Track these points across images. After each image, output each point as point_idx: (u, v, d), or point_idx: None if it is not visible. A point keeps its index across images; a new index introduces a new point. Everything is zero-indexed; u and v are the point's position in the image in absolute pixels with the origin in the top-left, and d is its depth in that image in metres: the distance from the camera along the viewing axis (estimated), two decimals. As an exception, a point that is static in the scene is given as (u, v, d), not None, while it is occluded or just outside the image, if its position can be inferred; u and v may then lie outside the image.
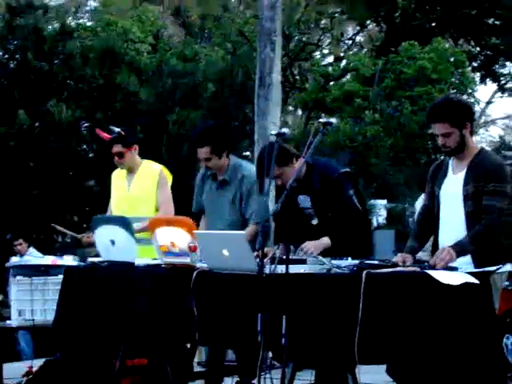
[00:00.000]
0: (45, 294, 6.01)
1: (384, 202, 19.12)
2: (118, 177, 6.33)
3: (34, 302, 6.01)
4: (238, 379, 5.56)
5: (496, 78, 21.54)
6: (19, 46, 18.34)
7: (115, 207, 6.23)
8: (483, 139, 27.57)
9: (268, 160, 4.56)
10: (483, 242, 4.24)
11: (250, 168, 5.67)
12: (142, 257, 5.19)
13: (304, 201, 5.22)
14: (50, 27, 18.94)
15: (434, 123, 4.41)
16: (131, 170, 6.20)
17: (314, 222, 5.20)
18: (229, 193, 5.62)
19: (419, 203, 6.49)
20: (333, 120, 4.73)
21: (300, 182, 5.07)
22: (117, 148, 6.10)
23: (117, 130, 6.15)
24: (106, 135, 6.18)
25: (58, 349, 5.91)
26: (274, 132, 4.77)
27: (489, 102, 28.32)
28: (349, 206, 5.08)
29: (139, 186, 6.14)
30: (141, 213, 5.94)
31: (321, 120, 4.67)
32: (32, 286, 6.04)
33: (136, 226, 5.44)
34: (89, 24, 20.45)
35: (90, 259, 5.53)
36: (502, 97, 23.78)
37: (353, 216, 5.10)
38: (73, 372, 5.67)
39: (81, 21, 21.36)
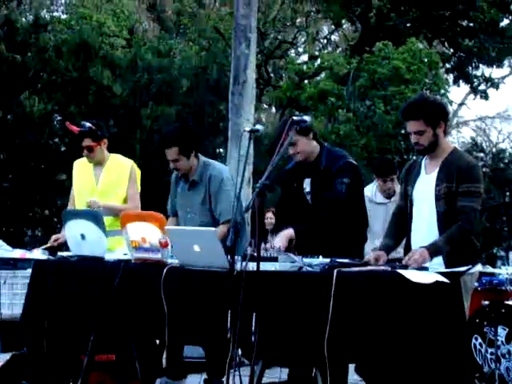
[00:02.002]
0: (13, 287, 5.94)
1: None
2: (82, 169, 6.29)
3: (2, 296, 5.95)
4: (206, 377, 5.55)
5: (469, 79, 21.66)
6: (-9, 38, 18.17)
7: (81, 202, 6.19)
8: (455, 140, 27.73)
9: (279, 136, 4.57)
10: (458, 243, 4.25)
11: (219, 167, 5.67)
12: (115, 248, 5.18)
13: (307, 184, 5.25)
14: (24, 19, 18.78)
15: (408, 120, 4.42)
16: (99, 164, 6.19)
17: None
18: (199, 193, 5.62)
19: (368, 189, 6.52)
20: (307, 118, 4.71)
21: (308, 164, 5.15)
22: (87, 142, 6.09)
23: (87, 124, 6.13)
24: (75, 128, 6.16)
25: (25, 343, 5.85)
26: (247, 129, 4.75)
27: (461, 104, 28.52)
28: (335, 193, 5.08)
29: (109, 181, 6.13)
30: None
31: (295, 118, 4.67)
32: (0, 279, 5.98)
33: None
34: (63, 17, 20.30)
35: (60, 253, 5.49)
36: (474, 99, 23.95)
37: (334, 203, 5.09)
38: (40, 367, 5.61)
39: (55, 13, 21.20)
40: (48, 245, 6.09)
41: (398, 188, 6.52)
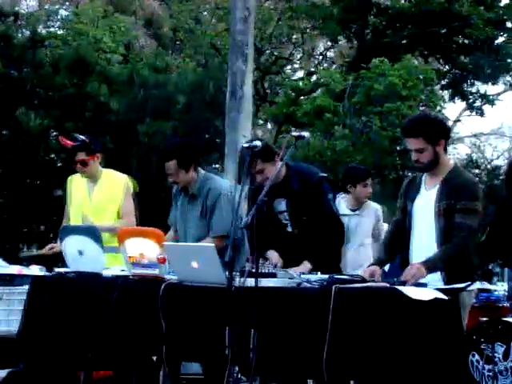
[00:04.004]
0: (10, 303, 5.92)
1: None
2: (76, 184, 6.28)
3: (-1, 312, 5.93)
4: (204, 393, 5.53)
5: (464, 96, 21.73)
6: (-12, 54, 18.18)
7: (75, 217, 6.18)
8: (451, 157, 27.77)
9: (244, 165, 4.56)
10: (453, 260, 4.25)
11: (219, 182, 5.66)
12: (111, 265, 5.17)
13: (279, 204, 5.20)
14: (20, 35, 18.80)
15: (408, 138, 4.43)
16: (93, 179, 6.17)
17: (289, 229, 5.18)
18: (197, 207, 5.61)
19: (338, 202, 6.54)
20: (305, 133, 4.70)
21: (278, 185, 5.05)
22: (80, 156, 6.07)
23: (81, 137, 6.12)
24: (68, 142, 6.14)
25: (21, 360, 5.83)
26: (246, 145, 4.76)
27: (457, 120, 28.58)
28: (327, 210, 5.08)
29: (103, 196, 6.11)
30: (104, 222, 5.93)
31: (293, 133, 4.67)
32: (-4, 295, 5.96)
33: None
34: (60, 33, 20.33)
35: (57, 269, 5.48)
36: (469, 115, 24.02)
37: (331, 221, 5.09)
38: (37, 383, 5.59)
39: (52, 29, 21.23)
40: (42, 251, 6.08)
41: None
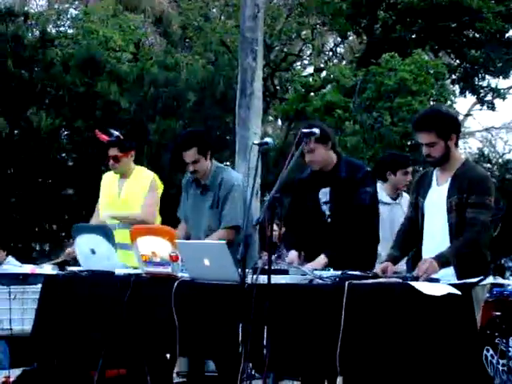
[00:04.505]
0: (23, 303, 5.94)
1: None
2: (108, 181, 6.33)
3: (12, 311, 5.95)
4: (217, 390, 5.53)
5: (475, 90, 21.65)
6: (-1, 53, 18.23)
7: (104, 213, 6.21)
8: (462, 151, 27.68)
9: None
10: (465, 255, 4.23)
11: (232, 173, 5.68)
12: (123, 262, 5.18)
13: (324, 195, 5.19)
14: (30, 35, 18.84)
15: (419, 132, 4.40)
16: (124, 176, 6.20)
17: (329, 220, 5.16)
18: (209, 198, 5.61)
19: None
20: (315, 130, 4.70)
21: (325, 173, 5.11)
22: (113, 151, 6.09)
23: (116, 133, 6.14)
24: (104, 137, 6.16)
25: (35, 359, 5.85)
26: (256, 141, 4.75)
27: (468, 115, 28.50)
28: (360, 200, 5.05)
29: (130, 192, 6.15)
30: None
31: (304, 130, 4.66)
32: (10, 294, 5.98)
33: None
34: (70, 32, 20.37)
35: (70, 268, 5.49)
36: (480, 109, 23.95)
37: (362, 212, 5.06)
38: (50, 382, 5.61)
39: (62, 28, 21.27)
40: (61, 259, 6.09)
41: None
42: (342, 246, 4.91)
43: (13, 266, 6.34)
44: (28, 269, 6.16)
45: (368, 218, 5.12)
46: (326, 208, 5.17)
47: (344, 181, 5.09)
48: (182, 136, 5.81)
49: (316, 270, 4.53)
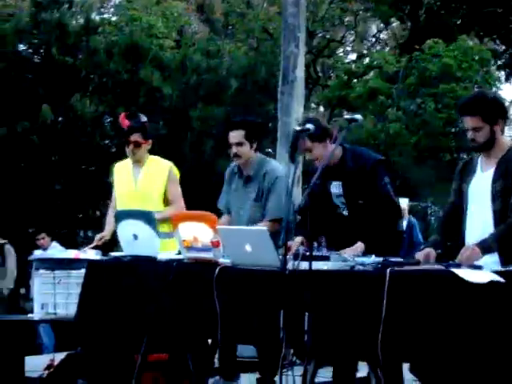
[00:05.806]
0: (68, 287, 6.01)
1: (406, 200, 19.00)
2: (121, 171, 6.30)
3: (57, 296, 6.02)
4: (258, 376, 5.55)
5: (521, 76, 21.38)
6: (44, 41, 18.42)
7: (120, 203, 6.21)
8: (508, 138, 27.31)
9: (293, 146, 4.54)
10: (509, 241, 4.18)
11: (276, 165, 5.66)
12: (161, 251, 5.20)
13: (336, 188, 5.16)
14: (75, 22, 19.00)
15: (465, 116, 4.33)
16: (138, 164, 6.18)
17: (345, 212, 5.14)
18: (252, 190, 5.61)
19: None
20: (358, 116, 4.65)
21: (333, 167, 5.02)
22: (135, 136, 6.09)
23: (144, 118, 6.15)
24: (126, 122, 6.14)
25: (79, 343, 5.92)
26: (298, 128, 4.74)
27: (513, 101, 28.11)
28: (383, 193, 5.02)
29: (148, 182, 6.12)
30: (149, 208, 5.93)
31: (346, 116, 4.64)
32: (55, 279, 6.05)
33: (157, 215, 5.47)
34: (113, 19, 20.50)
35: (113, 253, 5.54)
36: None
37: (386, 204, 5.02)
38: (94, 366, 5.67)
39: (105, 16, 21.42)
40: (93, 244, 6.14)
41: None
42: (377, 235, 4.89)
43: (58, 251, 6.39)
44: (72, 254, 6.21)
45: (394, 206, 5.09)
46: (338, 201, 5.12)
47: (353, 172, 5.02)
48: (233, 117, 5.85)
49: (357, 256, 4.52)
